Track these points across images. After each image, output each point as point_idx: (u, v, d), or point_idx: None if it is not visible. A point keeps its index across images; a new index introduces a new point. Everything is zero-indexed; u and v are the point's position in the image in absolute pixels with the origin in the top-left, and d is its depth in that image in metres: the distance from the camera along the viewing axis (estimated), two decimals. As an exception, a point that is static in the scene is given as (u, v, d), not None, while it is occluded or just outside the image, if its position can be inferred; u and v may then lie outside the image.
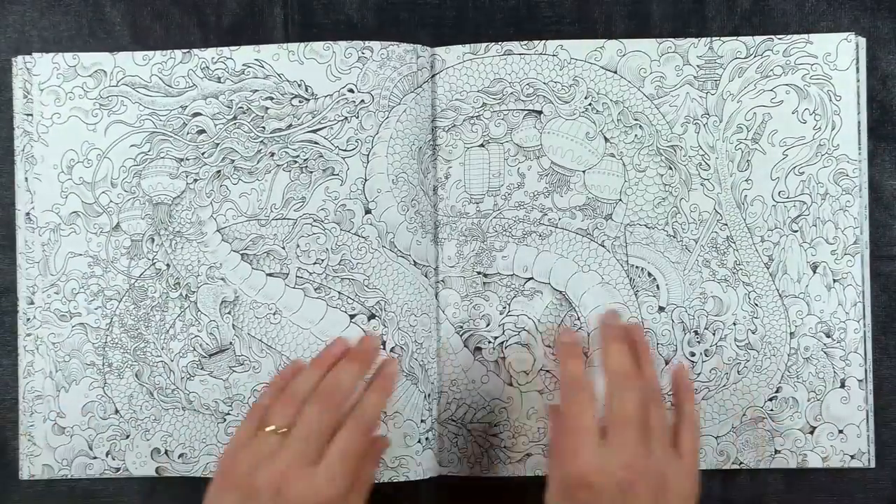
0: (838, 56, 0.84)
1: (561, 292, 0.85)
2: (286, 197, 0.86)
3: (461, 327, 0.86)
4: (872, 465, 0.85)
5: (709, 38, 0.84)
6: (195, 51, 0.86)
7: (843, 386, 0.85)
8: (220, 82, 0.86)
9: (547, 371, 0.85)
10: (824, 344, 0.84)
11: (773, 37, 0.84)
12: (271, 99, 0.86)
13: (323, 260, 0.86)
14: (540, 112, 0.85)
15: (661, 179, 0.85)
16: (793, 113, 0.84)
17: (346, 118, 0.85)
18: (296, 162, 0.85)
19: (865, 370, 0.85)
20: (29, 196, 0.87)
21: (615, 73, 0.85)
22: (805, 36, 0.84)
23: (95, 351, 0.87)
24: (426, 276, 0.86)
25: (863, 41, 0.85)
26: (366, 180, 0.85)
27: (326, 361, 0.76)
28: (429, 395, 0.86)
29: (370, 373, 0.76)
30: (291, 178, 0.86)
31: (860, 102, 0.84)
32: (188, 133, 0.86)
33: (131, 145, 0.86)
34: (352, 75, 0.85)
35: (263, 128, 0.86)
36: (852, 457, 0.85)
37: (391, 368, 0.77)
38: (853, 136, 0.84)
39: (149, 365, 0.87)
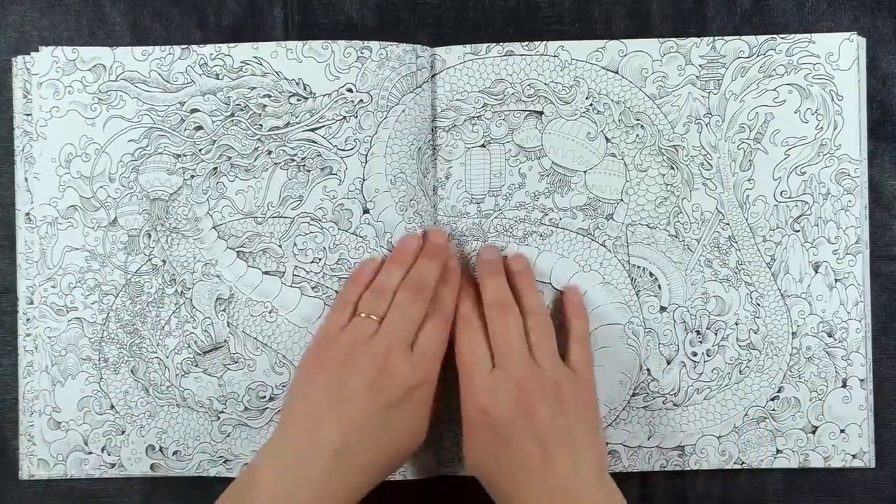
0: (840, 56, 0.84)
1: (562, 292, 0.85)
2: (283, 195, 0.86)
3: (461, 327, 0.86)
4: (873, 464, 0.85)
5: (711, 38, 0.84)
6: (194, 47, 0.86)
7: (844, 386, 0.85)
8: (218, 79, 0.86)
9: None
10: (826, 344, 0.84)
11: (775, 36, 0.84)
12: (269, 97, 0.86)
13: (320, 259, 0.86)
14: (541, 113, 0.85)
15: (662, 179, 0.85)
16: (795, 112, 0.84)
17: (344, 117, 0.85)
18: (293, 160, 0.85)
19: (867, 369, 0.85)
20: (29, 196, 0.86)
21: (616, 73, 0.85)
22: (807, 36, 0.84)
23: (91, 346, 0.86)
24: None
25: (863, 41, 0.85)
26: (364, 180, 0.85)
27: (405, 258, 0.82)
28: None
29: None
30: (289, 177, 0.85)
31: (861, 102, 0.85)
32: (186, 129, 0.86)
33: (129, 140, 0.86)
34: (350, 75, 0.85)
35: (261, 125, 0.86)
36: (854, 456, 0.85)
37: (454, 263, 0.83)
38: (855, 136, 0.84)
39: (144, 361, 0.86)
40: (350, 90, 0.85)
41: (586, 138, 0.85)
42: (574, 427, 0.75)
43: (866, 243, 0.85)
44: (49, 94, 0.86)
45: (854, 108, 0.84)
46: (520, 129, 0.85)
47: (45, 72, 0.86)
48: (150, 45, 0.87)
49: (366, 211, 0.85)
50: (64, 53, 0.86)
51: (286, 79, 0.85)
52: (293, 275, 0.86)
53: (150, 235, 0.86)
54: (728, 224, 0.84)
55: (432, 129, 0.85)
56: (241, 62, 0.86)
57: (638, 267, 0.85)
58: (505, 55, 0.85)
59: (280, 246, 0.86)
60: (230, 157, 0.86)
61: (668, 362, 0.85)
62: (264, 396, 0.86)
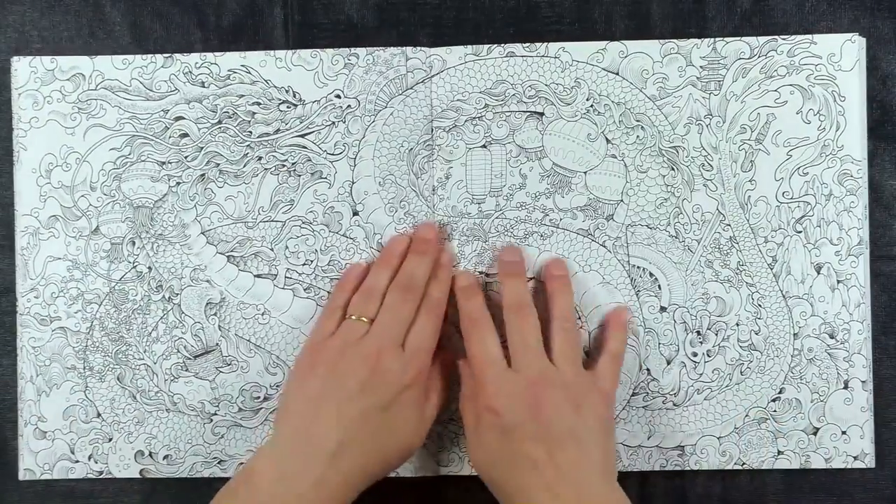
0: (842, 56, 0.84)
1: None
2: (274, 200, 0.86)
3: (461, 327, 0.86)
4: (873, 464, 0.85)
5: (712, 39, 0.84)
6: (177, 55, 0.86)
7: (846, 387, 0.85)
8: (203, 87, 0.86)
9: None
10: (828, 345, 0.84)
11: (776, 37, 0.84)
12: (258, 104, 0.86)
13: (312, 261, 0.86)
14: (542, 114, 0.85)
15: (662, 180, 0.85)
16: (797, 113, 0.84)
17: (333, 123, 0.86)
18: (284, 166, 0.86)
19: (868, 371, 0.85)
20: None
21: (617, 74, 0.85)
22: (809, 36, 0.84)
23: (76, 355, 0.86)
24: None
25: (863, 41, 0.85)
26: (353, 183, 0.86)
27: (393, 259, 0.83)
28: None
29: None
30: (280, 182, 0.86)
31: (863, 103, 0.85)
32: (170, 137, 0.86)
33: (111, 149, 0.86)
34: (338, 81, 0.86)
35: (250, 132, 0.86)
36: (855, 458, 0.85)
37: (445, 258, 0.84)
38: (857, 136, 0.84)
39: (131, 368, 0.87)
40: (338, 96, 0.85)
41: (587, 139, 0.85)
42: (583, 430, 0.75)
43: (867, 244, 0.85)
44: (28, 105, 0.86)
45: (856, 108, 0.84)
46: (521, 130, 0.85)
47: (24, 82, 0.86)
48: (151, 46, 0.87)
49: (355, 213, 0.86)
50: (42, 63, 0.86)
51: (275, 87, 0.86)
52: (285, 277, 0.86)
53: (134, 243, 0.86)
54: (729, 225, 0.84)
55: (431, 130, 0.85)
56: (229, 70, 0.86)
57: (638, 267, 0.85)
58: (506, 56, 0.85)
59: (272, 249, 0.86)
60: (218, 164, 0.86)
61: (668, 362, 0.85)
62: (258, 397, 0.86)
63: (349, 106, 0.85)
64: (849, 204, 0.84)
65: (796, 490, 0.87)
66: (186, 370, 0.86)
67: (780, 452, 0.85)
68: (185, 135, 0.86)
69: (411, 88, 0.85)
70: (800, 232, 0.84)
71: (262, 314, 0.86)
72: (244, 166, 0.86)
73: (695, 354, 0.85)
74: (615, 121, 0.85)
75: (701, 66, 0.84)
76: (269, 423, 0.86)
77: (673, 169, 0.85)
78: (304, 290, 0.86)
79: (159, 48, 0.87)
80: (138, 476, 0.87)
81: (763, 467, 0.85)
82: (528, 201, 0.85)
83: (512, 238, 0.85)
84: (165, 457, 0.86)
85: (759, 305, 0.84)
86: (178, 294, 0.86)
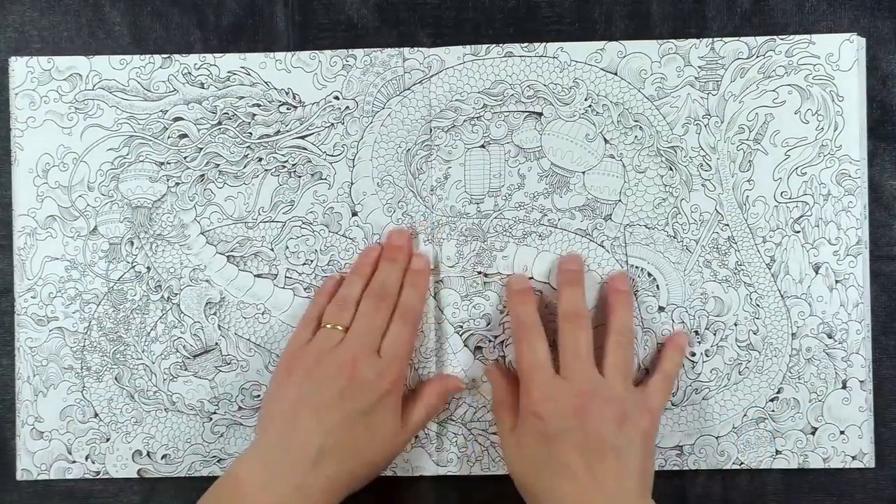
0: (841, 57, 0.84)
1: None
2: (274, 200, 0.86)
3: (461, 327, 0.86)
4: (872, 465, 0.85)
5: (710, 39, 0.84)
6: (176, 56, 0.86)
7: (844, 387, 0.85)
8: (203, 88, 0.86)
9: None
10: (826, 345, 0.84)
11: (775, 37, 0.84)
12: (258, 106, 0.86)
13: (312, 261, 0.86)
14: (540, 114, 0.85)
15: (661, 180, 0.85)
16: (795, 113, 0.84)
17: (332, 124, 0.86)
18: (284, 167, 0.86)
19: (867, 371, 0.85)
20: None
21: (615, 74, 0.85)
22: (807, 36, 0.84)
23: (73, 355, 0.87)
24: None
25: (863, 41, 0.85)
26: (352, 184, 0.86)
27: (365, 268, 0.84)
28: None
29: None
30: (280, 183, 0.86)
31: (862, 103, 0.84)
32: (169, 137, 0.86)
33: (108, 149, 0.86)
34: (337, 83, 0.86)
35: (250, 133, 0.86)
36: (853, 458, 0.85)
37: (419, 264, 0.85)
38: (856, 136, 0.84)
39: (129, 368, 0.87)
40: (337, 97, 0.85)
41: (585, 139, 0.85)
42: (625, 444, 0.75)
43: (866, 244, 0.85)
44: (25, 105, 0.86)
45: (855, 108, 0.84)
46: (519, 130, 0.85)
47: (21, 82, 0.87)
48: (150, 46, 0.87)
49: (354, 213, 0.86)
50: (39, 63, 0.86)
51: (275, 88, 0.86)
52: (286, 277, 0.86)
53: (132, 243, 0.86)
54: (727, 225, 0.84)
55: (430, 130, 0.85)
56: (228, 72, 0.86)
57: (636, 267, 0.85)
58: (504, 56, 0.85)
59: (272, 249, 0.86)
60: (218, 165, 0.86)
61: (668, 363, 0.85)
62: (258, 395, 0.86)
63: (348, 107, 0.86)
64: (847, 204, 0.84)
65: (796, 490, 0.87)
66: (185, 369, 0.87)
67: (778, 452, 0.85)
68: (185, 135, 0.86)
69: (409, 89, 0.85)
70: (798, 232, 0.84)
71: (263, 314, 0.86)
72: (244, 167, 0.86)
73: (693, 354, 0.85)
74: (613, 121, 0.85)
75: (699, 67, 0.84)
76: (270, 421, 0.86)
77: (671, 169, 0.85)
78: (304, 289, 0.86)
79: (159, 48, 0.87)
80: (136, 476, 0.87)
81: (761, 467, 0.85)
82: (526, 201, 0.85)
83: (510, 238, 0.85)
84: (164, 456, 0.87)
85: (758, 305, 0.84)
86: (177, 294, 0.87)
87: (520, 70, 0.85)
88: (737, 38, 0.84)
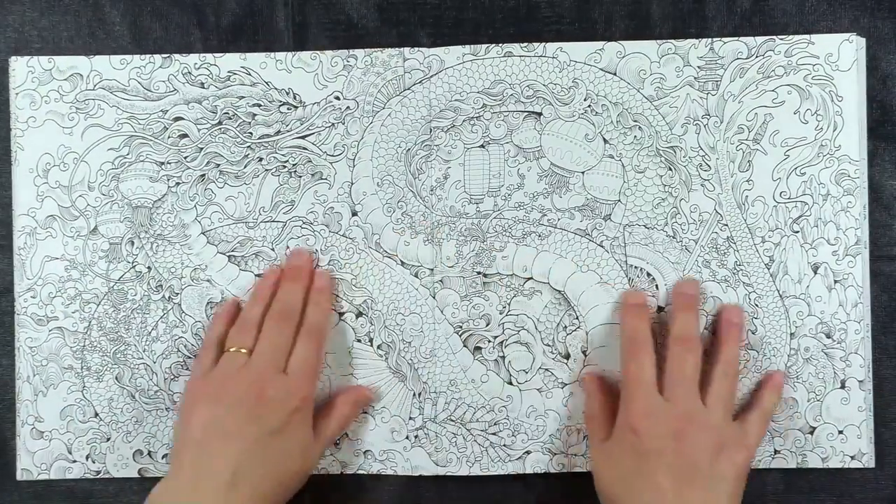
0: (840, 57, 0.84)
1: (560, 292, 0.85)
2: (275, 200, 0.86)
3: (460, 327, 0.86)
4: (872, 465, 0.85)
5: (710, 39, 0.84)
6: (176, 56, 0.86)
7: (843, 387, 0.85)
8: (203, 88, 0.86)
9: (546, 369, 0.85)
10: (824, 345, 0.84)
11: (774, 37, 0.84)
12: (259, 105, 0.86)
13: (313, 261, 0.86)
14: (540, 114, 0.85)
15: (660, 180, 0.85)
16: (794, 113, 0.84)
17: (332, 124, 0.86)
18: (285, 167, 0.86)
19: (866, 371, 0.85)
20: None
21: (614, 74, 0.85)
22: (807, 37, 0.84)
23: (73, 354, 0.87)
24: (417, 276, 0.86)
25: (862, 41, 0.85)
26: (352, 184, 0.86)
27: (265, 291, 0.84)
28: (419, 394, 0.86)
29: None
30: (280, 183, 0.86)
31: (861, 103, 0.84)
32: (169, 137, 0.86)
33: (109, 149, 0.87)
34: (338, 83, 0.86)
35: (251, 133, 0.86)
36: (852, 457, 0.85)
37: (321, 283, 0.85)
38: (855, 136, 0.84)
39: (130, 367, 0.87)
40: (337, 98, 0.85)
41: (584, 139, 0.85)
42: (717, 475, 0.76)
43: (866, 244, 0.85)
44: (25, 105, 0.87)
45: (854, 108, 0.84)
46: (518, 130, 0.85)
47: (21, 82, 0.87)
48: (150, 46, 0.87)
49: (354, 213, 0.86)
50: (39, 63, 0.87)
51: (276, 88, 0.86)
52: (286, 277, 0.86)
53: (133, 243, 0.86)
54: (727, 225, 0.84)
55: (429, 130, 0.85)
56: (228, 72, 0.86)
57: (635, 267, 0.85)
58: (504, 56, 0.85)
59: (273, 249, 0.86)
60: (218, 164, 0.86)
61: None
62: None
63: (348, 107, 0.86)
64: (846, 204, 0.84)
65: (796, 490, 0.87)
66: (187, 369, 0.87)
67: (776, 452, 0.85)
68: (185, 135, 0.86)
69: (409, 89, 0.85)
70: (797, 232, 0.84)
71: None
72: (245, 167, 0.86)
73: (692, 354, 0.85)
74: (613, 121, 0.85)
75: (698, 67, 0.84)
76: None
77: (670, 169, 0.85)
78: (305, 289, 0.86)
79: (159, 48, 0.87)
80: (137, 476, 0.87)
81: (760, 466, 0.85)
82: (525, 201, 0.85)
83: (510, 238, 0.85)
84: (164, 455, 0.87)
85: (756, 305, 0.84)
86: (178, 294, 0.87)
87: (519, 70, 0.85)
88: (736, 38, 0.84)
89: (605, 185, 0.85)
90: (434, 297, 0.86)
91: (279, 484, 0.78)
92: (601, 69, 0.85)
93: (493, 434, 0.86)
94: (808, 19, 0.86)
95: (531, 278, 0.85)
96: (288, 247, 0.86)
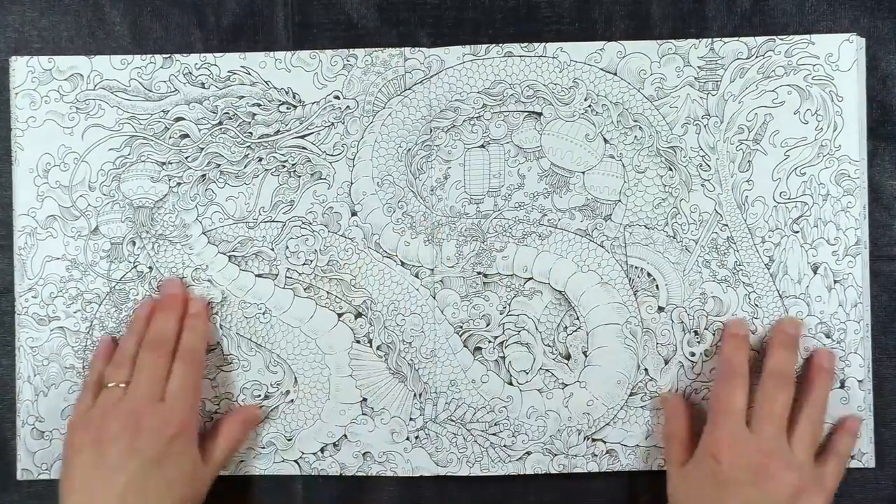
0: (840, 57, 0.84)
1: (560, 292, 0.85)
2: (275, 200, 0.86)
3: (461, 327, 0.86)
4: (872, 464, 0.85)
5: (710, 39, 0.84)
6: (177, 56, 0.86)
7: (842, 386, 0.85)
8: (203, 88, 0.86)
9: (547, 370, 0.85)
10: (824, 345, 0.84)
11: (774, 37, 0.84)
12: (258, 105, 0.86)
13: (311, 261, 0.86)
14: (540, 114, 0.85)
15: (660, 180, 0.85)
16: (794, 113, 0.84)
17: (332, 124, 0.86)
18: (284, 166, 0.86)
19: (866, 371, 0.85)
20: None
21: (615, 74, 0.85)
22: (807, 37, 0.84)
23: (75, 354, 0.87)
24: (417, 276, 0.86)
25: (862, 41, 0.85)
26: (351, 183, 0.86)
27: (139, 324, 0.84)
28: (420, 395, 0.86)
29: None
30: (280, 182, 0.86)
31: (861, 103, 0.84)
32: (170, 137, 0.86)
33: (110, 149, 0.87)
34: (337, 82, 0.86)
35: (251, 133, 0.86)
36: (852, 457, 0.85)
37: (196, 308, 0.85)
38: (855, 137, 0.84)
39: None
40: (337, 97, 0.85)
41: (585, 139, 0.85)
42: None
43: (866, 244, 0.85)
44: (25, 104, 0.86)
45: (854, 109, 0.84)
46: (519, 130, 0.85)
47: (21, 82, 0.87)
48: (150, 46, 0.87)
49: (354, 213, 0.86)
50: (39, 63, 0.87)
51: (275, 88, 0.86)
52: (286, 277, 0.86)
53: (134, 243, 0.86)
54: (727, 225, 0.84)
55: (430, 130, 0.85)
56: (229, 72, 0.86)
57: (636, 267, 0.85)
58: (504, 56, 0.85)
59: (272, 249, 0.86)
60: (219, 165, 0.86)
61: (666, 362, 0.85)
62: (259, 395, 0.86)
63: (348, 107, 0.86)
64: (846, 204, 0.84)
65: (795, 490, 0.87)
66: (187, 369, 0.87)
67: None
68: (186, 135, 0.86)
69: (409, 89, 0.85)
70: (797, 232, 0.84)
71: (263, 313, 0.86)
72: (245, 167, 0.86)
73: (692, 354, 0.85)
74: (613, 121, 0.85)
75: (699, 67, 0.84)
76: (270, 420, 0.87)
77: (671, 169, 0.85)
78: (304, 289, 0.86)
79: (159, 48, 0.87)
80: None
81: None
82: (526, 201, 0.85)
83: (510, 238, 0.85)
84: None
85: (756, 305, 0.84)
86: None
87: (519, 70, 0.85)
88: (736, 39, 0.84)
89: (605, 186, 0.85)
90: (434, 298, 0.86)
91: None
92: (601, 69, 0.85)
93: (494, 434, 0.86)
94: (808, 19, 0.86)
95: (531, 278, 0.85)
96: (287, 247, 0.86)
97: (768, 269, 0.84)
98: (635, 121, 0.85)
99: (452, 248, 0.85)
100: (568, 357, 0.85)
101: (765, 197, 0.84)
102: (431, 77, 0.85)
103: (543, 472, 0.86)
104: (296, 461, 0.86)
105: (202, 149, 0.86)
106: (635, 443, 0.86)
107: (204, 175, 0.86)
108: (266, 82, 0.86)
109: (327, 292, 0.86)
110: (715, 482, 0.77)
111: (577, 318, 0.85)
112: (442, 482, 0.87)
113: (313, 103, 0.86)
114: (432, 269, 0.85)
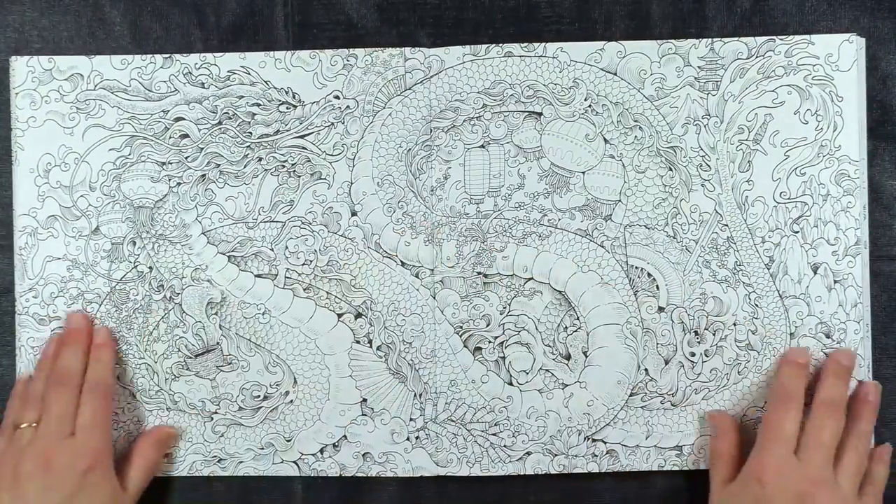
0: (840, 57, 0.84)
1: (560, 292, 0.85)
2: (274, 200, 0.86)
3: (461, 327, 0.86)
4: (872, 465, 0.86)
5: (710, 39, 0.84)
6: (177, 56, 0.86)
7: (842, 387, 0.85)
8: (203, 87, 0.86)
9: (547, 370, 0.85)
10: (824, 345, 0.84)
11: (774, 37, 0.84)
12: (258, 105, 0.86)
13: (311, 261, 0.86)
14: (540, 114, 0.85)
15: (661, 180, 0.85)
16: (794, 114, 0.84)
17: (332, 123, 0.86)
18: (283, 166, 0.86)
19: (866, 371, 0.85)
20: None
21: (615, 74, 0.85)
22: (807, 37, 0.84)
23: None
24: (417, 276, 0.86)
25: (862, 41, 0.85)
26: (351, 183, 0.86)
27: (46, 362, 0.84)
28: (420, 395, 0.86)
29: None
30: (280, 182, 0.86)
31: (861, 103, 0.84)
32: (170, 137, 0.86)
33: (110, 149, 0.87)
34: (337, 82, 0.86)
35: (250, 133, 0.86)
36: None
37: (100, 339, 0.85)
38: (855, 137, 0.84)
39: (131, 367, 0.87)
40: (337, 97, 0.85)
41: (585, 139, 0.85)
42: None
43: (865, 244, 0.85)
44: (25, 105, 0.86)
45: (854, 109, 0.84)
46: (519, 130, 0.85)
47: (21, 82, 0.87)
48: (150, 46, 0.87)
49: (354, 213, 0.86)
50: (40, 63, 0.86)
51: (275, 88, 0.86)
52: (285, 277, 0.86)
53: (134, 243, 0.86)
54: (727, 225, 0.84)
55: (430, 130, 0.85)
56: (228, 72, 0.86)
57: (636, 267, 0.85)
58: (504, 56, 0.85)
59: (272, 249, 0.86)
60: (219, 165, 0.86)
61: (666, 362, 0.85)
62: (258, 396, 0.86)
63: (348, 107, 0.86)
64: (846, 204, 0.84)
65: (796, 490, 0.87)
66: (187, 369, 0.87)
67: (777, 453, 0.85)
68: (186, 135, 0.86)
69: (410, 89, 0.85)
70: (797, 232, 0.84)
71: (263, 314, 0.86)
72: (244, 167, 0.86)
73: (692, 354, 0.85)
74: (613, 121, 0.85)
75: (699, 67, 0.84)
76: (269, 421, 0.86)
77: (671, 169, 0.85)
78: (304, 290, 0.86)
79: (159, 48, 0.87)
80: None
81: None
82: (526, 201, 0.85)
83: (510, 238, 0.85)
84: (165, 455, 0.87)
85: (756, 305, 0.84)
86: (179, 294, 0.87)
87: (519, 70, 0.85)
88: (736, 39, 0.84)
89: (605, 186, 0.85)
90: (434, 298, 0.86)
91: None
92: (601, 69, 0.85)
93: (494, 435, 0.86)
94: (808, 19, 0.86)
95: (532, 279, 0.85)
96: (287, 247, 0.86)
97: (768, 269, 0.84)
98: (635, 121, 0.85)
99: (452, 248, 0.85)
100: (568, 357, 0.85)
101: (765, 197, 0.84)
102: (431, 77, 0.85)
103: (543, 472, 0.86)
104: (295, 462, 0.86)
105: (202, 149, 0.86)
106: (635, 443, 0.86)
107: (204, 175, 0.86)
108: (266, 82, 0.86)
109: (327, 292, 0.86)
110: None
111: (578, 319, 0.85)
112: (442, 482, 0.87)
113: (313, 103, 0.86)
114: (432, 270, 0.85)
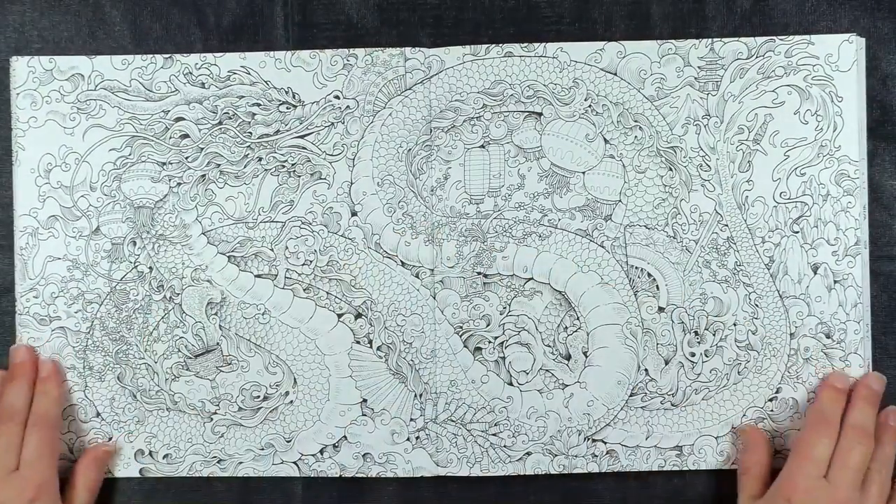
0: (840, 57, 0.84)
1: (561, 292, 0.85)
2: (274, 200, 0.86)
3: (461, 327, 0.86)
4: (872, 464, 0.86)
5: (710, 40, 0.84)
6: (177, 56, 0.86)
7: (843, 387, 0.85)
8: (204, 88, 0.86)
9: (547, 370, 0.85)
10: (824, 345, 0.84)
11: (774, 38, 0.84)
12: (258, 105, 0.86)
13: (311, 261, 0.86)
14: (540, 114, 0.85)
15: (661, 180, 0.85)
16: (794, 114, 0.84)
17: (332, 123, 0.86)
18: (284, 167, 0.86)
19: (866, 371, 0.85)
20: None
21: (615, 74, 0.85)
22: (807, 37, 0.84)
23: (76, 354, 0.87)
24: (417, 276, 0.86)
25: (862, 41, 0.85)
26: (352, 183, 0.86)
27: None
28: (420, 395, 0.86)
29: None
30: (280, 182, 0.86)
31: (861, 103, 0.84)
32: (171, 137, 0.86)
33: (111, 149, 0.86)
34: (337, 82, 0.86)
35: (250, 133, 0.86)
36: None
37: (45, 371, 0.86)
38: (854, 137, 0.84)
39: (131, 367, 0.87)
40: (337, 97, 0.85)
41: (585, 139, 0.85)
42: None
43: (865, 244, 0.84)
44: (26, 105, 0.86)
45: (853, 109, 0.84)
46: (519, 130, 0.85)
47: (22, 82, 0.87)
48: (151, 46, 0.87)
49: (354, 214, 0.86)
50: (40, 63, 0.86)
51: (275, 88, 0.86)
52: (285, 277, 0.86)
53: (135, 243, 0.86)
54: (727, 225, 0.84)
55: (430, 130, 0.85)
56: (229, 72, 0.86)
57: (636, 268, 0.85)
58: (504, 56, 0.85)
59: (272, 249, 0.86)
60: (219, 165, 0.86)
61: (666, 363, 0.85)
62: (258, 396, 0.86)
63: (348, 107, 0.86)
64: (846, 204, 0.84)
65: (796, 490, 0.87)
66: (187, 369, 0.87)
67: (777, 452, 0.85)
68: (186, 136, 0.86)
69: (410, 89, 0.85)
70: (797, 232, 0.84)
71: (263, 314, 0.86)
72: (244, 167, 0.86)
73: (692, 354, 0.85)
74: (613, 121, 0.85)
75: (699, 67, 0.84)
76: (269, 422, 0.86)
77: (671, 169, 0.85)
78: (304, 290, 0.86)
79: (159, 48, 0.87)
80: (138, 475, 0.87)
81: (760, 467, 0.85)
82: (526, 201, 0.85)
83: (510, 238, 0.85)
84: (165, 455, 0.87)
85: (756, 305, 0.84)
86: (179, 294, 0.87)
87: (519, 70, 0.85)
88: (736, 39, 0.84)
89: (605, 186, 0.85)
90: (434, 298, 0.86)
91: None
92: (602, 69, 0.85)
93: (494, 435, 0.86)
94: (807, 19, 0.86)
95: (532, 279, 0.85)
96: (287, 247, 0.86)
97: (768, 269, 0.84)
98: (635, 121, 0.85)
99: (452, 248, 0.85)
100: (568, 357, 0.85)
101: (765, 197, 0.84)
102: (431, 77, 0.85)
103: (543, 472, 0.86)
104: (295, 463, 0.86)
105: (202, 149, 0.86)
106: (635, 443, 0.86)
107: (204, 175, 0.86)
108: (266, 82, 0.86)
109: (327, 293, 0.86)
110: None
111: (578, 319, 0.85)
112: (442, 483, 0.87)
113: (313, 103, 0.86)
114: (432, 270, 0.85)
